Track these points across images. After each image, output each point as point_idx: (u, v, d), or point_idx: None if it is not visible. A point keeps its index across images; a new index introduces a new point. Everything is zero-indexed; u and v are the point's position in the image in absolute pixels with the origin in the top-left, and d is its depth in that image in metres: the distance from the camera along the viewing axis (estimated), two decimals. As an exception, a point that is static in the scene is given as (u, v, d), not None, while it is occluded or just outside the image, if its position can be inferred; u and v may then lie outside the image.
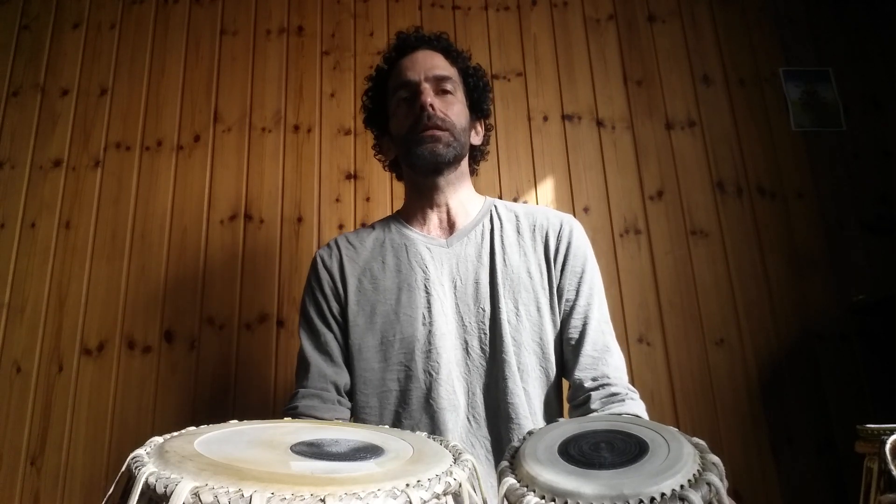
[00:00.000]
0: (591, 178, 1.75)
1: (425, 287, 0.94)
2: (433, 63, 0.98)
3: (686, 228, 1.71)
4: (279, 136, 1.75)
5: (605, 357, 0.91)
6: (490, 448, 0.89)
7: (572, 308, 0.94)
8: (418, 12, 1.86)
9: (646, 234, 1.70)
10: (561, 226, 0.99)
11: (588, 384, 0.88)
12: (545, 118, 1.80)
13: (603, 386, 0.88)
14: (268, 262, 1.64)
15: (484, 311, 0.93)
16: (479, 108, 1.05)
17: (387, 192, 1.71)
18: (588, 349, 0.91)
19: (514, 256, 0.96)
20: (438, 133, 0.93)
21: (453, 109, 0.97)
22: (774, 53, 1.87)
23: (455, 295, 0.94)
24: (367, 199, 1.70)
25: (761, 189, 1.75)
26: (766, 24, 1.90)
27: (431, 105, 0.93)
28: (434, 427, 0.87)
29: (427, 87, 0.95)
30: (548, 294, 0.95)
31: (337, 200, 1.70)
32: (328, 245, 1.03)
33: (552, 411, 0.93)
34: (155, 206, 1.68)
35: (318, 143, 1.75)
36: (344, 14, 1.86)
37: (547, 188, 1.74)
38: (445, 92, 0.98)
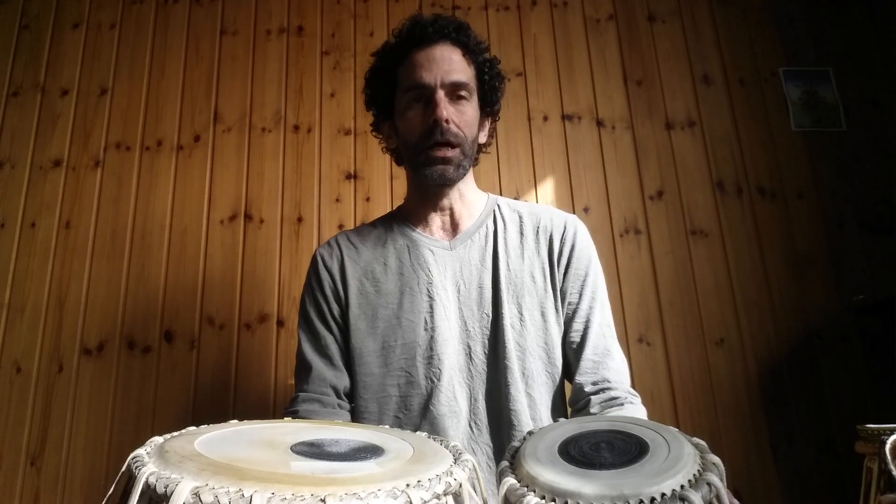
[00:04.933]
0: (591, 178, 1.75)
1: (428, 291, 0.92)
2: (450, 66, 0.92)
3: (686, 228, 1.71)
4: (279, 136, 1.75)
5: (606, 361, 0.90)
6: (492, 455, 0.87)
7: (574, 311, 0.93)
8: (418, 12, 1.86)
9: (646, 234, 1.70)
10: (565, 227, 0.97)
11: (588, 388, 0.88)
12: (545, 118, 1.80)
13: (603, 390, 0.87)
14: (268, 262, 1.65)
15: (487, 316, 0.92)
16: (491, 105, 1.00)
17: (387, 192, 1.71)
18: (589, 353, 0.91)
19: (517, 260, 0.95)
20: (450, 154, 0.90)
21: (466, 118, 0.93)
22: (774, 53, 1.87)
23: (458, 299, 0.93)
24: (367, 199, 1.70)
25: (761, 189, 1.75)
26: (766, 24, 1.90)
27: (446, 120, 0.89)
28: (434, 433, 0.86)
29: (442, 96, 0.90)
30: (552, 297, 0.94)
31: (337, 200, 1.70)
32: (328, 243, 1.01)
33: (559, 416, 0.92)
34: (155, 206, 1.68)
35: (318, 143, 1.75)
36: (344, 14, 1.86)
37: (547, 188, 1.74)
38: (460, 98, 0.93)
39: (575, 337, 0.92)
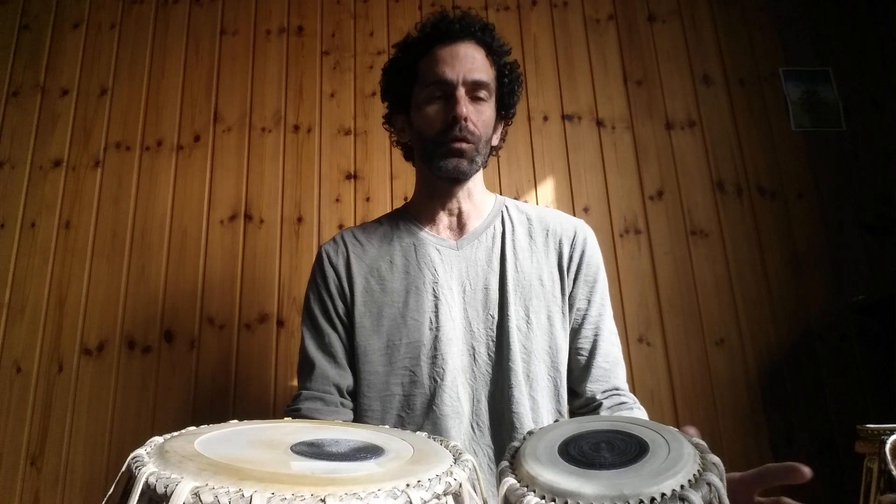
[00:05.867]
0: (591, 178, 1.75)
1: (433, 290, 0.92)
2: (473, 64, 0.91)
3: (686, 228, 1.71)
4: (279, 136, 1.75)
5: (616, 370, 0.92)
6: (493, 457, 0.87)
7: (584, 318, 0.94)
8: (418, 12, 1.86)
9: (646, 234, 1.70)
10: (575, 233, 0.98)
11: (599, 396, 0.90)
12: (545, 118, 1.80)
13: (612, 397, 0.90)
14: (268, 262, 1.64)
15: (493, 317, 0.91)
16: (506, 109, 1.01)
17: (387, 192, 1.71)
18: (600, 361, 0.92)
19: (525, 262, 0.95)
20: (465, 147, 0.90)
21: (484, 119, 0.93)
22: (774, 53, 1.87)
23: (464, 300, 0.93)
24: (367, 199, 1.70)
25: (761, 189, 1.75)
26: (766, 24, 1.90)
27: (465, 118, 0.89)
28: (436, 433, 0.86)
29: (463, 94, 0.90)
30: (559, 302, 0.93)
31: (337, 200, 1.70)
32: (334, 240, 1.00)
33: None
34: (155, 206, 1.68)
35: (318, 143, 1.75)
36: (344, 14, 1.86)
37: (547, 188, 1.74)
38: (479, 98, 0.92)
39: (585, 344, 0.93)
